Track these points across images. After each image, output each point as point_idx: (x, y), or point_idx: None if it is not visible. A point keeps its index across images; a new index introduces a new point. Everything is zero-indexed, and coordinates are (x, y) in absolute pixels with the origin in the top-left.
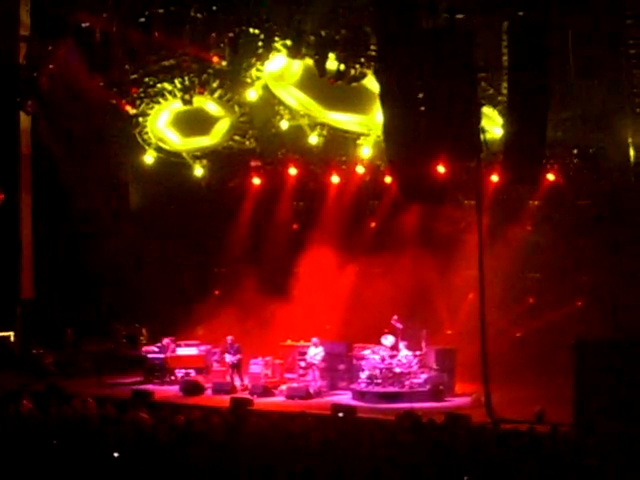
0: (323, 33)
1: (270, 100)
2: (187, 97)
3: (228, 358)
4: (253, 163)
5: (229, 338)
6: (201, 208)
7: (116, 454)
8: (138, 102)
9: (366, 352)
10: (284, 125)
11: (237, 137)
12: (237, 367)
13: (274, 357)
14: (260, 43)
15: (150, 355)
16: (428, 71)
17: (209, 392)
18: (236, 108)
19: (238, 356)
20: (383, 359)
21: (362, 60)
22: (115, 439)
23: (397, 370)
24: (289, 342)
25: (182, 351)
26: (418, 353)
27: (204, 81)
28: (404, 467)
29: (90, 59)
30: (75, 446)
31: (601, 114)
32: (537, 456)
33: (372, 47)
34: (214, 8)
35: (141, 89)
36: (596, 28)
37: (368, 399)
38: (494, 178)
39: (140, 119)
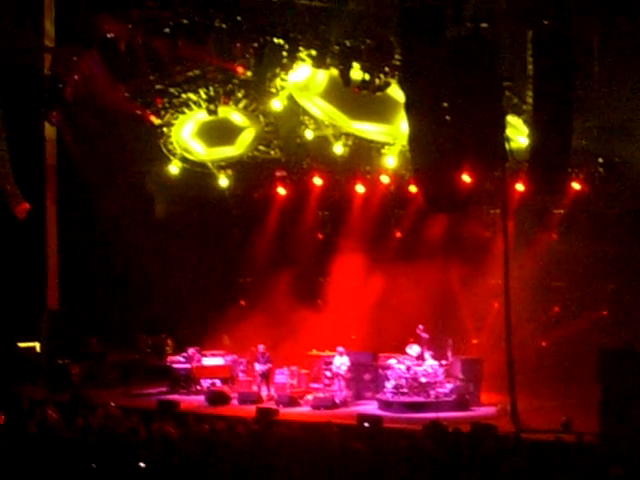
0: (348, 43)
1: (295, 110)
2: (212, 107)
3: (258, 367)
4: (278, 173)
5: (260, 347)
6: (226, 218)
7: (142, 464)
8: (163, 112)
9: (392, 362)
10: (309, 135)
11: (262, 147)
12: (266, 376)
13: (300, 367)
14: (285, 53)
15: (176, 365)
16: (453, 80)
17: (235, 402)
18: (261, 118)
19: (268, 365)
20: (409, 369)
21: (387, 69)
22: (140, 449)
23: (423, 380)
24: (314, 352)
25: (208, 361)
26: (444, 363)
27: (229, 91)
28: (430, 477)
29: (115, 70)
30: (101, 456)
31: (626, 123)
32: (563, 466)
33: (396, 56)
34: (239, 18)
35: (166, 99)
36: (621, 37)
37: (394, 409)
38: (519, 187)
39: (165, 129)
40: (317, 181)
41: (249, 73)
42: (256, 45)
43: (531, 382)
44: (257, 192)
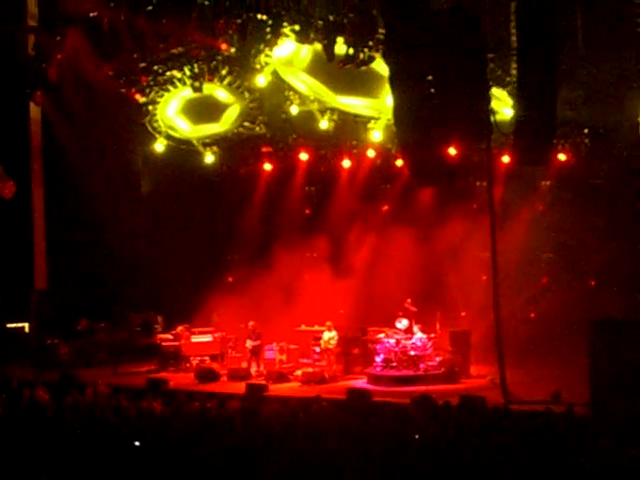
0: (331, 17)
1: (280, 86)
2: (197, 84)
3: (249, 343)
4: (264, 149)
5: (250, 323)
6: (213, 195)
7: (136, 443)
8: (147, 90)
9: (381, 336)
10: (294, 110)
11: (247, 123)
12: (256, 353)
13: (289, 342)
14: (268, 29)
15: (165, 343)
16: (437, 53)
17: (224, 379)
18: (246, 94)
19: (258, 341)
20: (398, 342)
21: (370, 43)
22: (130, 428)
23: (412, 353)
24: (303, 327)
25: (197, 338)
26: (432, 336)
27: (213, 68)
28: (420, 449)
29: (98, 48)
30: (90, 435)
31: (611, 92)
32: (553, 436)
33: (380, 30)
34: None
35: (150, 77)
36: (605, 5)
37: (383, 383)
38: (505, 159)
39: (150, 107)
40: (303, 156)
41: (233, 49)
42: (239, 21)
43: (520, 354)
44: (243, 168)
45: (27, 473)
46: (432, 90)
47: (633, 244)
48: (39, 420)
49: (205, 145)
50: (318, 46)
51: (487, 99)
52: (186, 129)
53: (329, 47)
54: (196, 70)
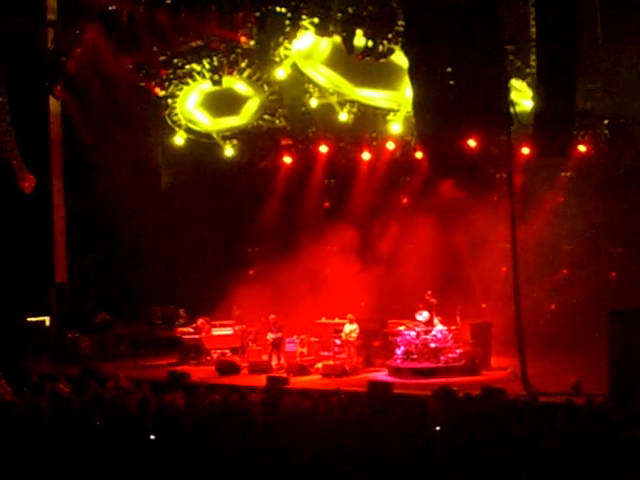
0: (350, 10)
1: (299, 78)
2: (216, 77)
3: (270, 336)
4: (284, 142)
5: (271, 316)
6: (233, 188)
7: (152, 437)
8: (167, 84)
9: (401, 328)
10: (314, 103)
11: (267, 116)
12: (277, 345)
13: (309, 335)
14: (287, 21)
15: (185, 336)
16: (456, 45)
17: (245, 372)
18: (265, 87)
19: (279, 334)
20: (418, 335)
21: (390, 36)
22: (152, 421)
23: (432, 345)
24: (324, 320)
25: (217, 331)
26: (453, 328)
27: (232, 61)
28: (441, 441)
29: (118, 42)
30: (112, 428)
31: (631, 82)
32: (573, 428)
33: (399, 22)
34: None
35: (170, 71)
36: None
37: (404, 375)
38: (525, 151)
39: (169, 101)
40: (323, 149)
41: (252, 42)
42: (258, 14)
43: (541, 345)
44: (263, 161)
45: (49, 465)
46: (451, 82)
47: None
48: (60, 413)
49: (225, 138)
50: (337, 39)
51: (507, 91)
52: (206, 122)
53: (348, 39)
54: (215, 63)
